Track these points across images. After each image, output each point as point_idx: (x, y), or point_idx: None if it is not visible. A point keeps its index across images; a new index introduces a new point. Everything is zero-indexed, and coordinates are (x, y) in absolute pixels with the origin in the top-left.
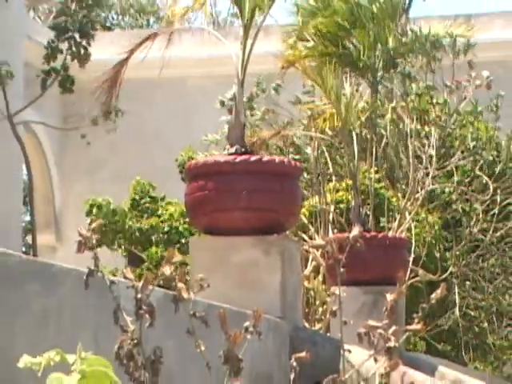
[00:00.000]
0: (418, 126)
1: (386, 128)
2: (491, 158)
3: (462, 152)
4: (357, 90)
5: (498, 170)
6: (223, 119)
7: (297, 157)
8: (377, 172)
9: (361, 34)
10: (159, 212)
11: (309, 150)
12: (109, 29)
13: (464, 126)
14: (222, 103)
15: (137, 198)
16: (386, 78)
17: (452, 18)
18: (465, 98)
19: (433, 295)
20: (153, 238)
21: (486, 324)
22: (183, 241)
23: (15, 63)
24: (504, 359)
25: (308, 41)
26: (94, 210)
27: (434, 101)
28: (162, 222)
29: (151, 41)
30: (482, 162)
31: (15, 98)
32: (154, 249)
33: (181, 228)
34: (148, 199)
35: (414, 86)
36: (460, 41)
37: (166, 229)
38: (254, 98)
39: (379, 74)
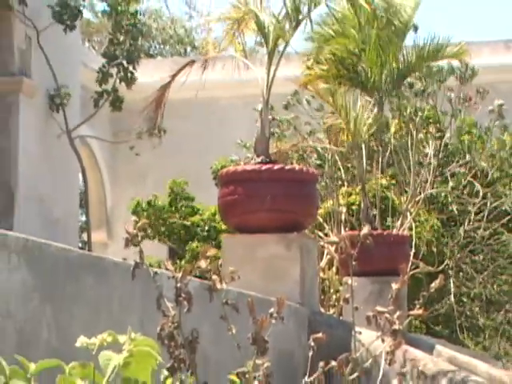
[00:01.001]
0: (421, 135)
1: (391, 140)
2: (484, 165)
3: (457, 161)
4: (365, 106)
5: (489, 177)
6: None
7: (318, 162)
8: (388, 178)
9: (369, 58)
10: (199, 212)
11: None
12: (152, 56)
13: (462, 140)
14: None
15: (173, 196)
16: (394, 95)
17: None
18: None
19: (432, 284)
20: (195, 233)
21: (476, 309)
22: (219, 238)
23: (73, 86)
24: (491, 339)
25: (323, 64)
26: (143, 206)
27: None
28: (202, 220)
29: (190, 67)
30: (476, 169)
31: (73, 116)
32: (194, 244)
33: (218, 226)
34: (183, 201)
35: (422, 101)
36: (456, 64)
37: (206, 227)
38: (289, 105)
39: (385, 93)
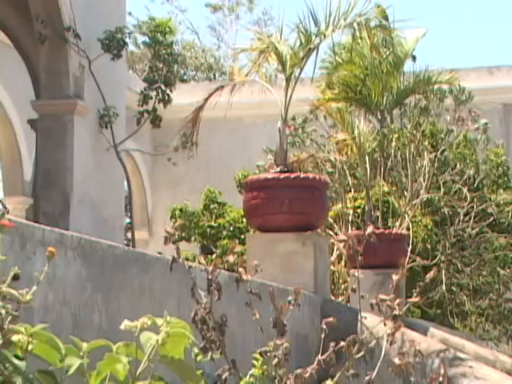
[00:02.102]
0: (420, 149)
1: (391, 152)
2: (472, 173)
3: (449, 171)
4: (368, 124)
5: (476, 184)
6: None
7: (330, 170)
8: (389, 185)
9: (373, 83)
10: (225, 214)
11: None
12: (185, 81)
13: (456, 152)
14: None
15: (207, 202)
16: (396, 113)
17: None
18: (466, 131)
19: (427, 276)
20: (222, 233)
21: (464, 297)
22: (243, 236)
23: (119, 107)
24: (477, 322)
25: (333, 89)
26: (177, 213)
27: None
28: (227, 221)
29: (220, 91)
30: (465, 177)
31: (119, 132)
32: (224, 241)
33: (241, 226)
34: (216, 205)
35: (423, 118)
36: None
37: (231, 227)
38: (308, 122)
39: (386, 112)
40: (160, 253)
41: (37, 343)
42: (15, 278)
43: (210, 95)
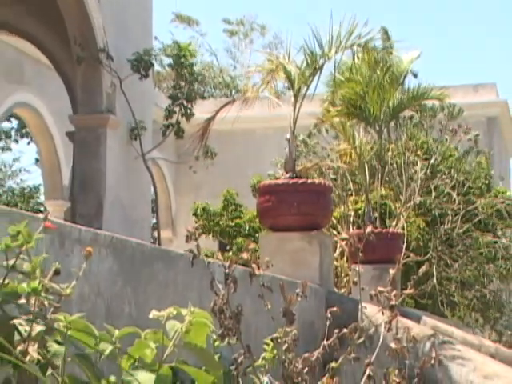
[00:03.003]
0: (415, 158)
1: (388, 160)
2: (461, 179)
3: (440, 177)
4: (367, 136)
5: (464, 189)
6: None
7: (333, 176)
8: (386, 189)
9: (371, 99)
10: (242, 215)
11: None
12: (205, 98)
13: (447, 161)
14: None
15: (226, 203)
16: (394, 126)
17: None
18: (458, 141)
19: (420, 270)
20: (239, 232)
21: (453, 288)
22: (257, 235)
23: (147, 120)
24: (464, 311)
25: (337, 106)
26: (199, 211)
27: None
28: (244, 222)
29: (231, 105)
30: (454, 182)
31: (146, 143)
32: (239, 239)
33: (255, 226)
34: (233, 206)
35: (418, 130)
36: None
37: (247, 227)
38: (311, 134)
39: (383, 125)
40: (189, 250)
41: (74, 330)
42: (56, 273)
43: (221, 108)
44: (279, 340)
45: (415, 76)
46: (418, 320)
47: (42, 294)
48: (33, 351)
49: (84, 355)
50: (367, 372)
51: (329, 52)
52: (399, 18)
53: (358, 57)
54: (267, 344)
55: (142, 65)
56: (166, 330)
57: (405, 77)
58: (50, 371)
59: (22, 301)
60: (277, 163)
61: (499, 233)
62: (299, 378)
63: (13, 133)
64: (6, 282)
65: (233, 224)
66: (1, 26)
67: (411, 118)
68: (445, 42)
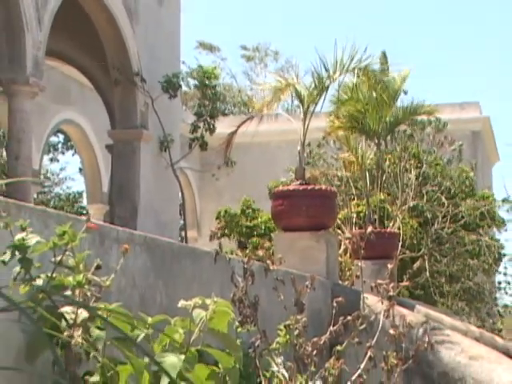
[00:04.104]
0: (407, 166)
1: (385, 169)
2: (448, 185)
3: (430, 184)
4: (367, 147)
5: (451, 193)
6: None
7: (337, 183)
8: (384, 194)
9: (371, 115)
10: (258, 217)
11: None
12: (226, 115)
13: (435, 168)
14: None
15: (244, 207)
16: (390, 138)
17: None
18: (444, 152)
19: (414, 265)
20: (255, 231)
21: (443, 281)
22: (271, 234)
23: (175, 135)
24: (452, 301)
25: (341, 120)
26: (222, 213)
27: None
28: (260, 223)
29: (249, 121)
30: (442, 188)
31: (174, 154)
32: (256, 238)
33: (270, 226)
34: (250, 210)
35: (410, 142)
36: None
37: (262, 227)
38: (321, 145)
39: (381, 137)
40: (216, 250)
41: (113, 318)
42: (98, 267)
43: (241, 124)
44: (291, 326)
45: (405, 93)
46: (412, 308)
47: (85, 286)
48: (77, 336)
49: (122, 339)
50: (368, 354)
51: (334, 74)
52: (396, 35)
53: (358, 77)
54: (280, 330)
55: (170, 86)
56: (193, 318)
57: (399, 95)
58: (92, 353)
59: (68, 292)
60: (289, 170)
61: (482, 232)
62: (309, 360)
63: (60, 146)
64: (54, 275)
65: (250, 225)
66: (51, 54)
67: (405, 131)
68: (435, 61)
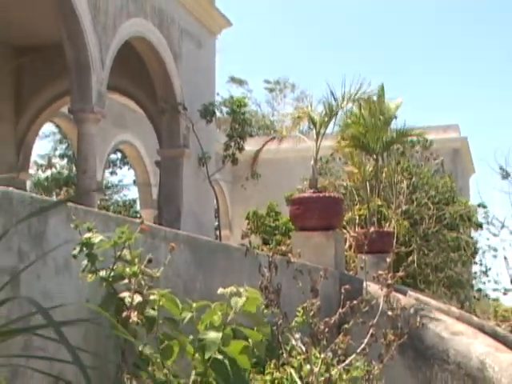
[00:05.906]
0: (400, 178)
1: (382, 179)
2: (433, 193)
3: (419, 192)
4: (367, 162)
5: (436, 199)
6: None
7: (343, 191)
8: (381, 201)
9: (370, 136)
10: (279, 219)
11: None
12: (252, 136)
13: (423, 179)
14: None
15: (269, 210)
16: (386, 155)
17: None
18: (429, 166)
19: (409, 259)
20: (277, 230)
21: (429, 271)
22: (290, 233)
23: (211, 152)
24: (437, 287)
25: (346, 140)
26: (251, 214)
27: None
28: (281, 224)
29: (271, 141)
30: (429, 195)
31: (210, 168)
32: (277, 236)
33: (289, 227)
34: (273, 213)
35: (402, 158)
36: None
37: (283, 227)
38: (329, 160)
39: (379, 154)
40: (242, 245)
41: (164, 301)
42: (149, 261)
43: (265, 143)
44: (307, 308)
45: (396, 118)
46: (405, 294)
47: (140, 276)
48: (134, 316)
49: (171, 319)
50: (370, 331)
51: (342, 103)
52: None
53: (361, 106)
54: (298, 311)
55: (207, 113)
56: (230, 303)
57: (392, 119)
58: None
59: (126, 281)
60: (304, 180)
61: (461, 231)
62: (321, 336)
63: (118, 162)
64: (114, 267)
65: (273, 225)
66: (112, 89)
67: (398, 149)
68: (423, 87)
